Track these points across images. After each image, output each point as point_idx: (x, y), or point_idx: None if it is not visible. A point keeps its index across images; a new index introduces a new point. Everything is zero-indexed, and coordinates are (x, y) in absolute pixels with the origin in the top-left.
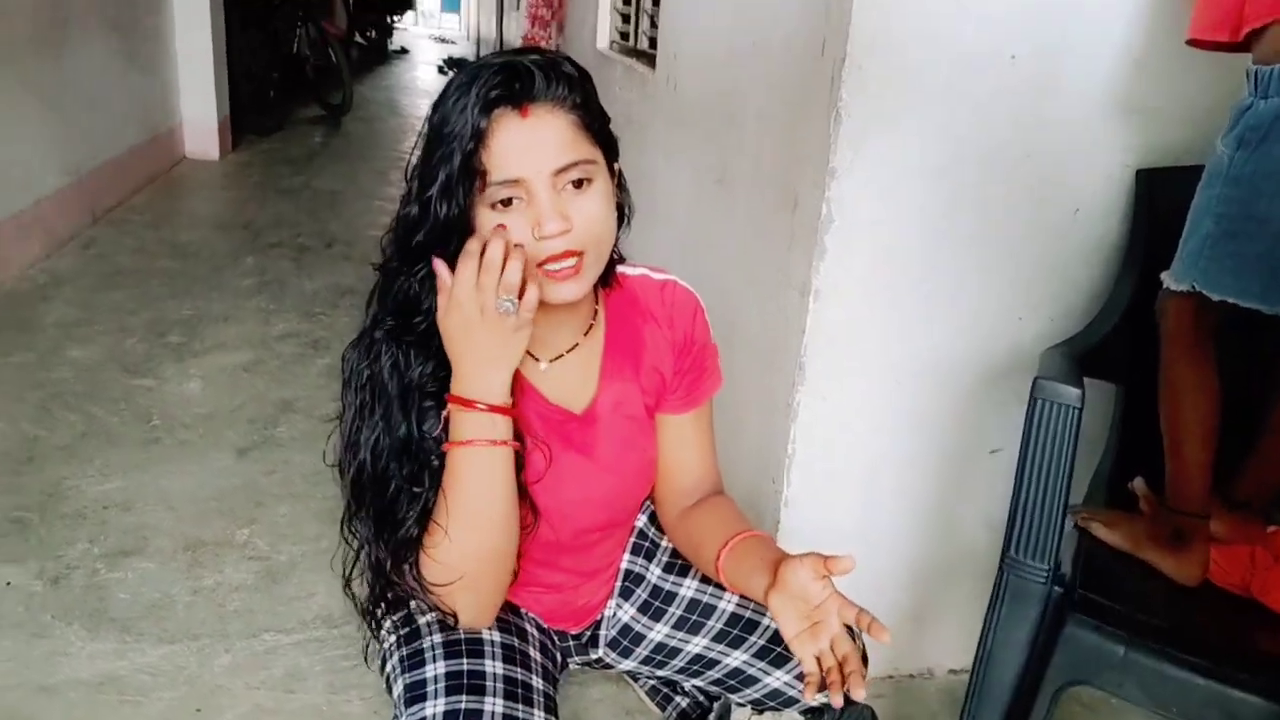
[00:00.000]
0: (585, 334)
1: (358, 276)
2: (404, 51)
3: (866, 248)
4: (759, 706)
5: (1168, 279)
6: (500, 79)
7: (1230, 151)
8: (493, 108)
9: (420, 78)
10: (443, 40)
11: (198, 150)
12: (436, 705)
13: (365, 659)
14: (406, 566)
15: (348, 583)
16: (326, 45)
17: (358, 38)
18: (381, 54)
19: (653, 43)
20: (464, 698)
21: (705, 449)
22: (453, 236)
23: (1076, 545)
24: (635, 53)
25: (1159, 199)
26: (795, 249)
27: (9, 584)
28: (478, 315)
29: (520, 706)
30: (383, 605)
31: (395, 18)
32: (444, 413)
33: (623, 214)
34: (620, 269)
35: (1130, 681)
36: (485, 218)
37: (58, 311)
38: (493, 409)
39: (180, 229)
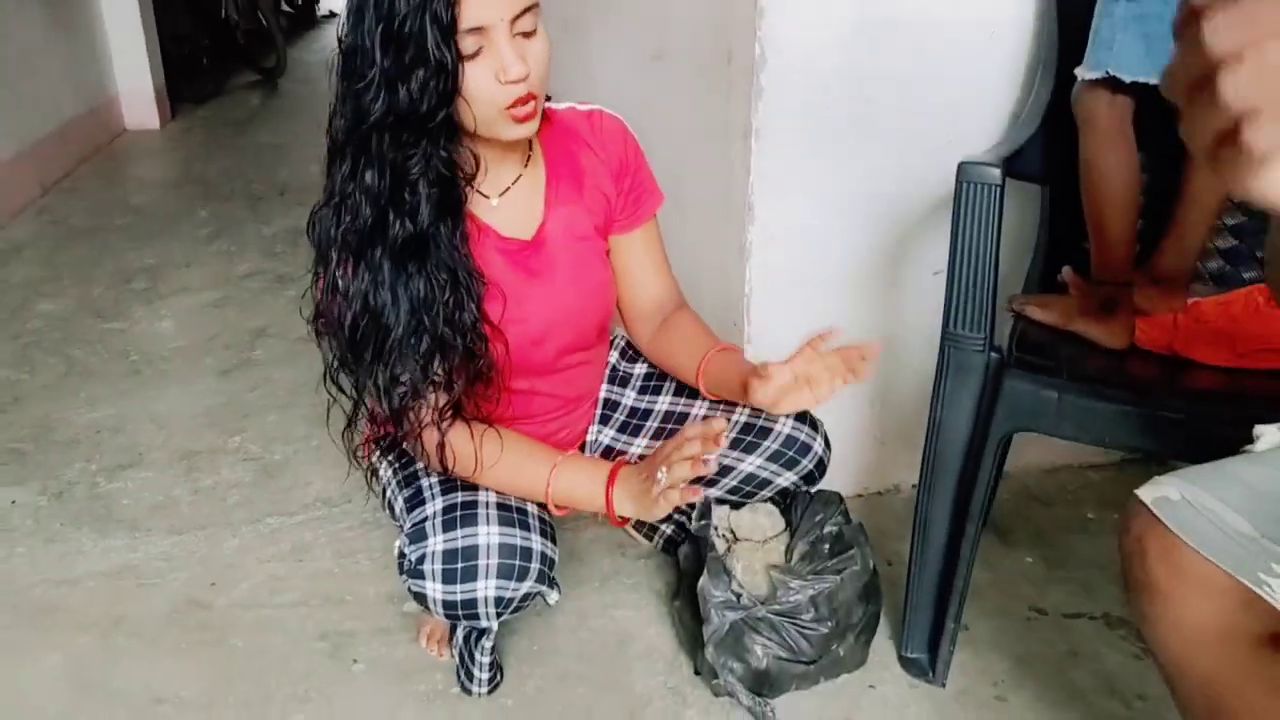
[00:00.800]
0: (525, 165)
1: None
2: (333, 15)
3: (800, 85)
4: (736, 495)
5: (1081, 70)
6: None
7: None
8: None
9: None
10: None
11: (137, 121)
12: (436, 542)
13: (384, 505)
14: (409, 416)
15: (386, 444)
16: (255, 9)
17: (285, 5)
18: (310, 18)
19: None
20: (459, 531)
21: (660, 264)
22: (453, 90)
23: (1011, 328)
24: None
25: (1069, 9)
26: (734, 96)
27: (14, 502)
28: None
29: (517, 531)
30: (379, 449)
31: None
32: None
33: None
34: (548, 105)
35: (1067, 421)
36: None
37: (22, 272)
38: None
39: (131, 191)
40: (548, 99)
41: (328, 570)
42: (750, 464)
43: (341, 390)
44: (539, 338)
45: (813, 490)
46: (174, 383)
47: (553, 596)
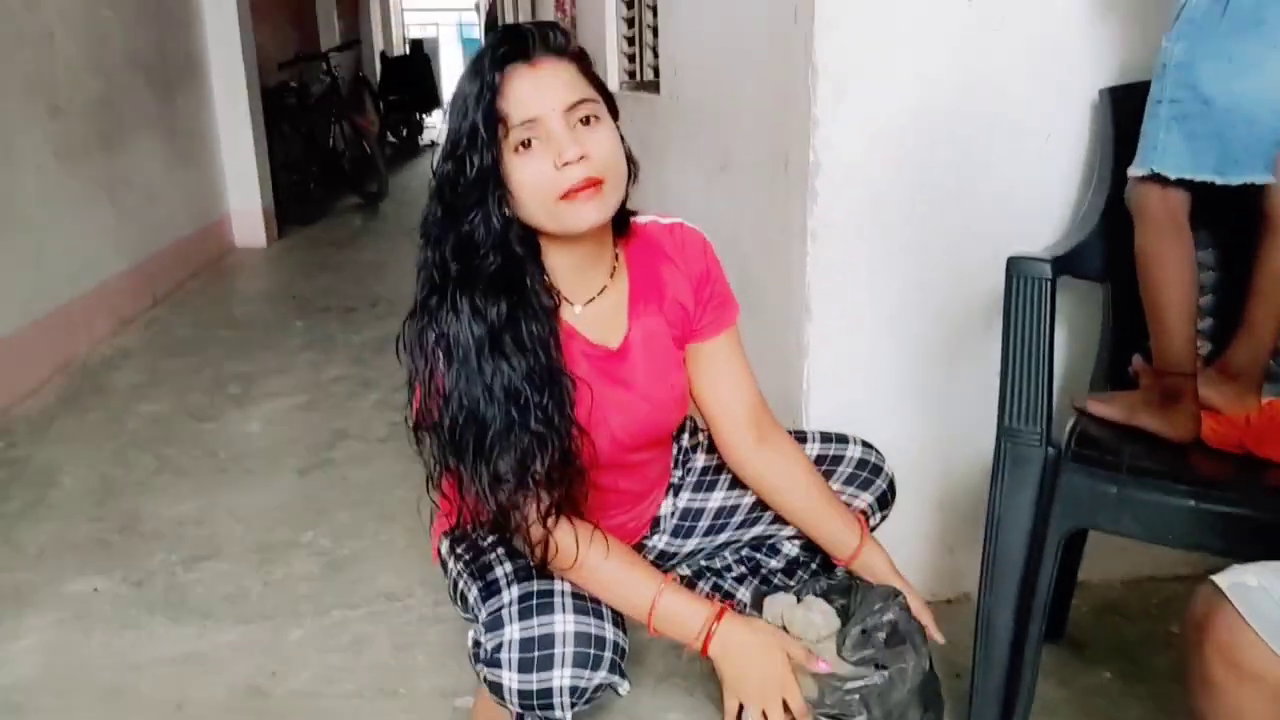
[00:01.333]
0: (611, 277)
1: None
2: (434, 145)
3: (854, 188)
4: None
5: (1132, 169)
6: (506, 42)
7: (1172, 44)
8: (504, 64)
9: None
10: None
11: (246, 239)
12: (513, 630)
13: (456, 599)
14: (513, 514)
15: (458, 536)
16: (361, 139)
17: (390, 136)
18: (413, 148)
19: (656, 72)
20: (536, 620)
21: (742, 373)
22: (489, 184)
23: (1071, 424)
24: (642, 84)
25: (1125, 113)
26: (791, 199)
27: (96, 589)
28: None
29: (591, 620)
30: (450, 541)
31: (424, 114)
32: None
33: (630, 166)
34: (634, 219)
35: (1127, 517)
36: (512, 164)
37: (127, 377)
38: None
39: (234, 304)
40: (633, 214)
41: (384, 663)
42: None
43: (442, 493)
44: (614, 436)
45: (872, 583)
46: (256, 481)
47: (624, 687)
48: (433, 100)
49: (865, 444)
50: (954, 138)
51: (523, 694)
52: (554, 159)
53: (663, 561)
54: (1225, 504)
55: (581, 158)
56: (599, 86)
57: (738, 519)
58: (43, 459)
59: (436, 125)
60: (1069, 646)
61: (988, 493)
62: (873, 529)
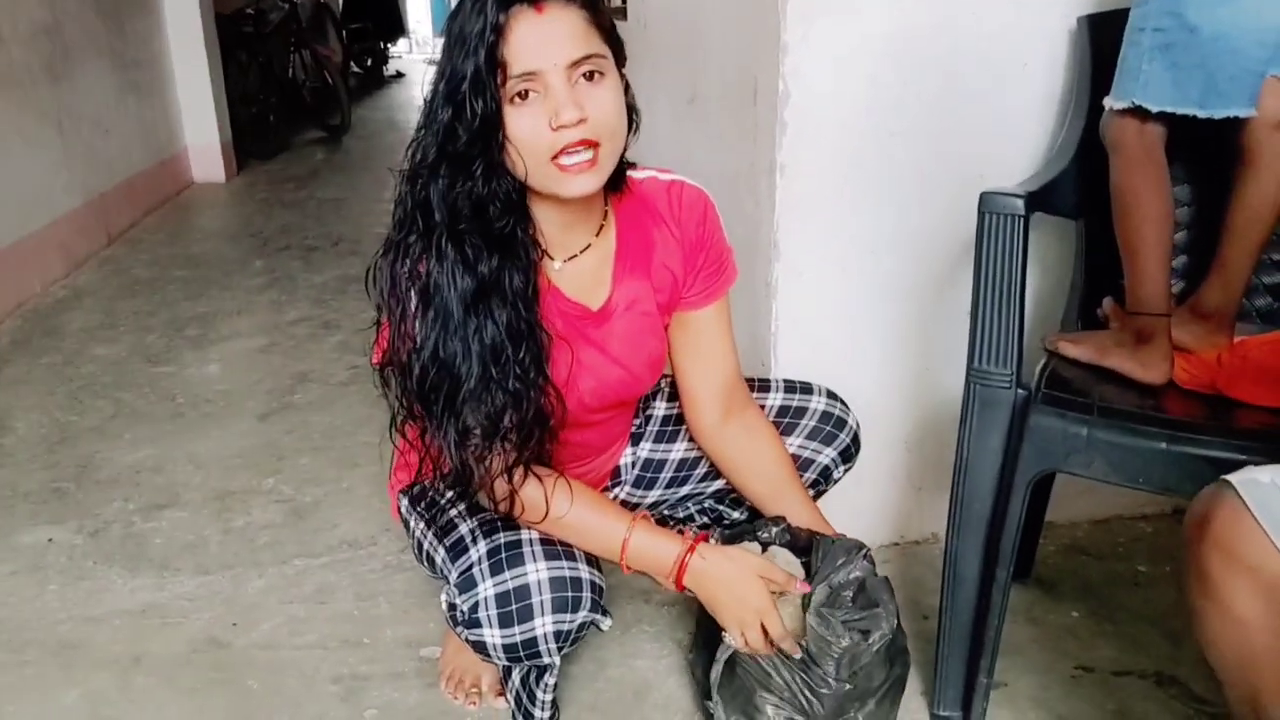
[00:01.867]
0: (597, 235)
1: (364, 267)
2: (399, 75)
3: (826, 121)
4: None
5: (1109, 100)
6: None
7: None
8: (509, 4)
9: (416, 96)
10: (435, 63)
11: (204, 174)
12: (486, 587)
13: (421, 558)
14: (479, 468)
15: (416, 493)
16: (323, 69)
17: (354, 66)
18: (378, 79)
19: None
20: (508, 573)
21: (726, 347)
22: (491, 133)
23: (1041, 365)
24: (610, 10)
25: (1103, 42)
26: (760, 132)
27: (50, 540)
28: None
29: (564, 564)
30: (408, 499)
31: (389, 44)
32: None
33: (632, 117)
34: (629, 173)
35: (1098, 459)
36: (505, 113)
37: (81, 319)
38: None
39: (192, 242)
40: (632, 166)
41: (348, 613)
42: (791, 445)
43: (404, 438)
44: (582, 398)
45: (836, 537)
46: (215, 425)
47: (606, 623)
48: (398, 29)
49: (830, 395)
50: (928, 66)
51: (507, 648)
52: (550, 117)
53: (646, 474)
54: (1198, 446)
55: (580, 121)
56: (608, 33)
57: (700, 471)
58: None
59: (402, 55)
60: (1036, 586)
61: (956, 435)
62: (835, 481)
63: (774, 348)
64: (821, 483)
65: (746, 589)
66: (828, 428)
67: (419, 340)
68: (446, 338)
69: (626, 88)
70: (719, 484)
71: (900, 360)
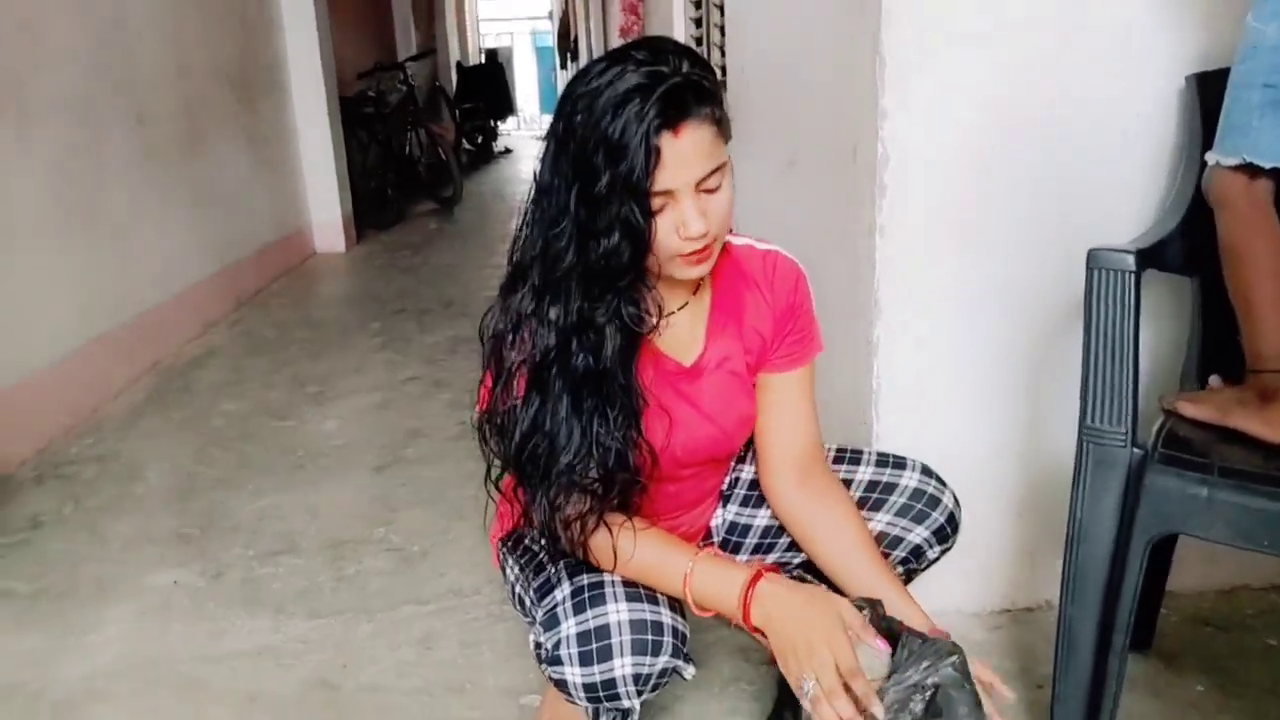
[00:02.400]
0: (694, 294)
1: (473, 329)
2: (508, 152)
3: (924, 182)
4: None
5: (1213, 156)
6: (659, 105)
7: (1264, 24)
8: (659, 132)
9: (523, 170)
10: (557, 142)
11: (326, 245)
12: (569, 626)
13: (514, 601)
14: (562, 526)
15: (513, 540)
16: (437, 146)
17: (465, 143)
18: (488, 155)
19: (724, 71)
20: (590, 613)
21: (807, 413)
22: (633, 239)
23: (1159, 424)
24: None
25: (1210, 98)
26: (859, 193)
27: (175, 582)
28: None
29: (646, 606)
30: (505, 547)
31: (499, 121)
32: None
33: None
34: (727, 239)
35: (1219, 521)
36: None
37: (211, 376)
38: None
39: (314, 307)
40: (730, 232)
41: (452, 660)
42: (879, 522)
43: (499, 490)
44: (674, 454)
45: (927, 635)
46: (332, 477)
47: (689, 671)
48: (507, 108)
49: (925, 471)
50: (1026, 128)
51: (587, 687)
52: (678, 225)
53: (732, 538)
54: None
55: (706, 232)
56: (725, 125)
57: (785, 540)
58: (129, 455)
59: (510, 132)
60: (1158, 657)
61: (1069, 497)
62: (931, 561)
63: (876, 405)
64: (912, 561)
65: (814, 621)
66: (919, 505)
67: (522, 399)
68: (552, 415)
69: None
70: (804, 557)
71: (1007, 420)
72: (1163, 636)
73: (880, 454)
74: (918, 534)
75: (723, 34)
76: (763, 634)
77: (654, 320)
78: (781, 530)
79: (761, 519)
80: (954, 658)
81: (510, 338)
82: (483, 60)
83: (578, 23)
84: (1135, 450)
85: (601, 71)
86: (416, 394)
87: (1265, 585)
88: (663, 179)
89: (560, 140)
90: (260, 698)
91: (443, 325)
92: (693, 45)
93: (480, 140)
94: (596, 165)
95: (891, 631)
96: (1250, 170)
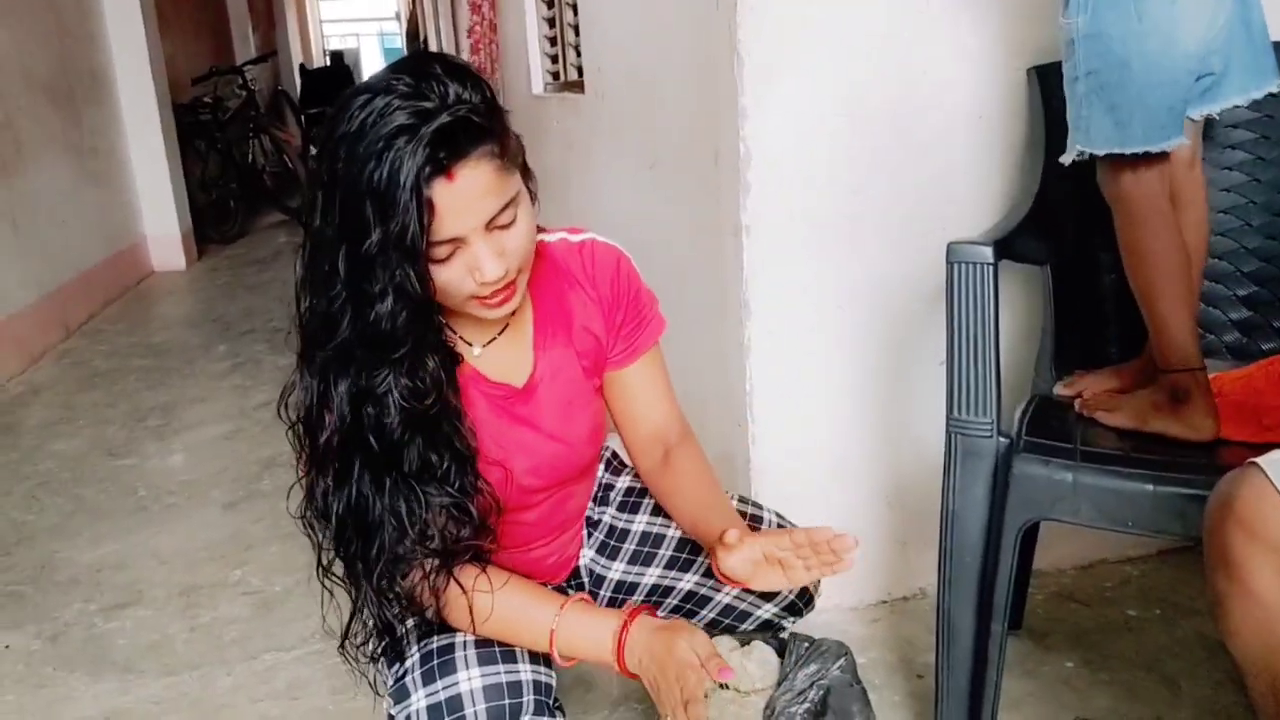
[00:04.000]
0: (513, 314)
1: None
2: None
3: (787, 180)
4: (715, 629)
5: (1065, 158)
6: (428, 150)
7: (1074, 17)
8: (430, 181)
9: None
10: (322, 189)
11: (164, 262)
12: (418, 698)
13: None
14: (400, 583)
15: (345, 636)
16: (282, 154)
17: (312, 149)
18: None
19: (580, 72)
20: (440, 683)
21: (659, 395)
22: (407, 297)
23: (1020, 411)
24: (567, 85)
25: (1051, 91)
26: (723, 194)
27: (7, 647)
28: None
29: (500, 667)
30: (374, 639)
31: None
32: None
33: (531, 198)
34: (539, 238)
35: (1085, 505)
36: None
37: (38, 415)
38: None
39: (153, 331)
40: (542, 230)
41: (322, 708)
42: (726, 594)
43: (337, 581)
44: (520, 481)
45: (814, 638)
46: (180, 517)
47: None
48: None
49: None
50: (884, 121)
51: None
52: (472, 271)
53: (596, 588)
54: (1184, 485)
55: (504, 273)
56: (514, 159)
57: (664, 552)
58: None
59: None
60: (1029, 637)
61: (940, 487)
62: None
63: (750, 407)
64: (723, 620)
65: (669, 663)
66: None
67: (331, 492)
68: (359, 498)
69: (525, 171)
70: (691, 579)
71: (877, 414)
72: (1031, 615)
73: (739, 509)
74: (767, 610)
75: (577, 34)
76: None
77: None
78: (659, 541)
79: (639, 525)
80: (843, 660)
81: (314, 415)
82: (328, 63)
83: (426, 23)
84: (1001, 439)
85: (362, 106)
86: (270, 420)
87: (1120, 558)
88: (443, 229)
89: (326, 190)
90: None
91: (296, 345)
92: (546, 45)
93: None
94: (366, 220)
95: (780, 641)
96: (1132, 163)
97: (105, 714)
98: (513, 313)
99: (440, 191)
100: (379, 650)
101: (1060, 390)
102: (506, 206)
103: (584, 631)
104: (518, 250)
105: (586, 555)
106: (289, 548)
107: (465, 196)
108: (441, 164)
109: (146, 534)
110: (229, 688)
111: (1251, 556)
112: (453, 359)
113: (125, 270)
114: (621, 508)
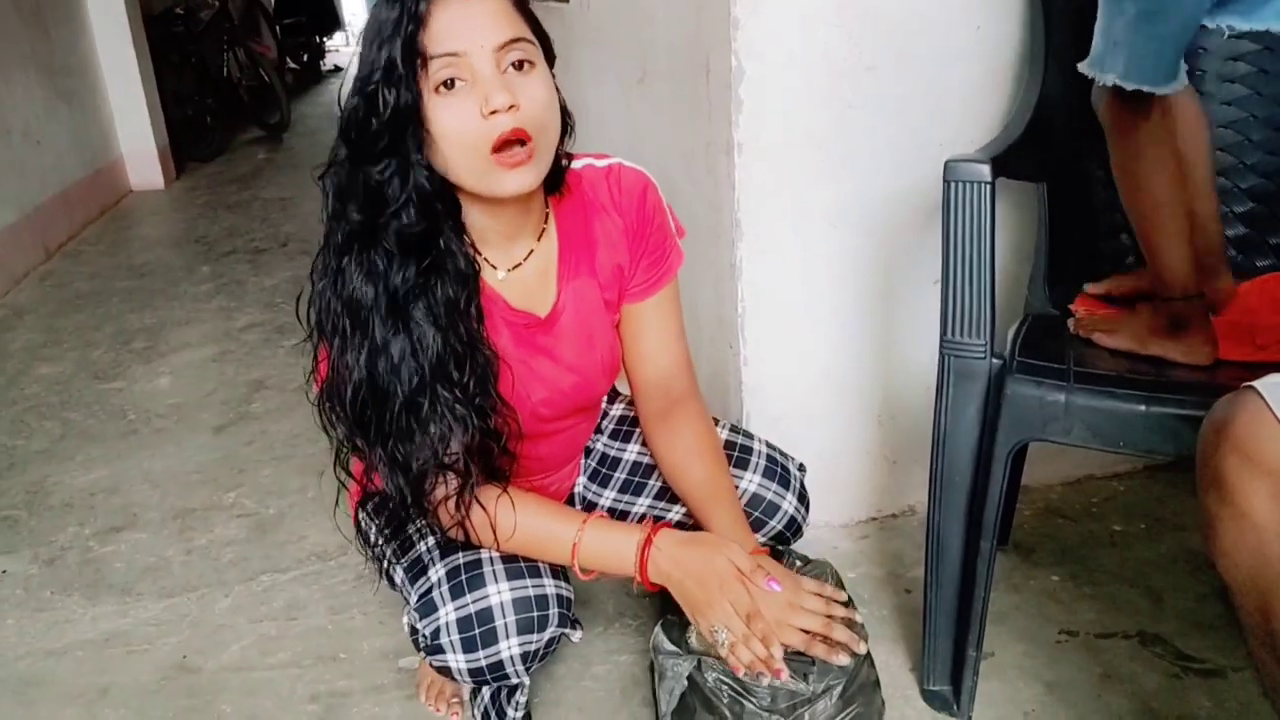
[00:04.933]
0: (539, 239)
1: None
2: (337, 70)
3: (780, 95)
4: None
5: (1087, 69)
6: None
7: None
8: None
9: None
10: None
11: (142, 181)
12: (447, 612)
13: (382, 576)
14: (422, 499)
15: (361, 528)
16: (258, 67)
17: (290, 63)
18: (315, 74)
19: None
20: (469, 596)
21: (671, 337)
22: (405, 127)
23: (1013, 332)
24: None
25: (1052, 2)
26: (714, 111)
27: (4, 571)
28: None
29: (528, 581)
30: (387, 533)
31: (325, 38)
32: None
33: (565, 119)
34: (567, 169)
35: (1077, 425)
36: (432, 106)
37: (22, 338)
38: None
39: (134, 252)
40: (568, 160)
41: (321, 628)
42: (676, 513)
43: (350, 475)
44: (536, 410)
45: (804, 559)
46: (170, 441)
47: (576, 635)
48: (333, 22)
49: (768, 473)
50: (881, 34)
51: (473, 671)
52: (480, 105)
53: (584, 507)
54: (1176, 405)
55: (511, 106)
56: (535, 27)
57: (654, 483)
58: None
59: (339, 49)
60: (1015, 552)
61: (932, 407)
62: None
63: (741, 329)
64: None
65: (711, 574)
66: (756, 513)
67: (350, 364)
68: (371, 359)
69: (541, 33)
70: (680, 510)
71: (868, 334)
72: (1018, 530)
73: (728, 440)
74: (788, 500)
75: None
76: (658, 587)
77: (478, 262)
78: (650, 471)
79: (630, 454)
80: (830, 577)
81: (328, 286)
82: None
83: None
84: (994, 361)
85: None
86: (256, 342)
87: (1108, 474)
88: (444, 39)
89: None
90: (112, 690)
91: (280, 265)
92: None
93: (306, 59)
94: (371, 40)
95: (777, 553)
96: (1137, 94)
97: (105, 636)
98: (544, 226)
99: (446, 6)
100: (392, 534)
101: (1091, 289)
102: (520, 41)
103: (607, 544)
104: (533, 106)
105: (580, 482)
106: (282, 470)
107: (473, 14)
108: None
109: (138, 458)
110: (227, 609)
111: (1246, 480)
112: (474, 270)
113: (103, 189)
114: (614, 435)
